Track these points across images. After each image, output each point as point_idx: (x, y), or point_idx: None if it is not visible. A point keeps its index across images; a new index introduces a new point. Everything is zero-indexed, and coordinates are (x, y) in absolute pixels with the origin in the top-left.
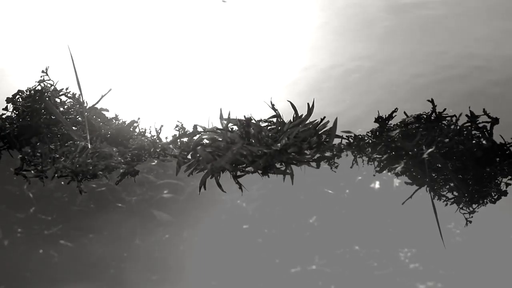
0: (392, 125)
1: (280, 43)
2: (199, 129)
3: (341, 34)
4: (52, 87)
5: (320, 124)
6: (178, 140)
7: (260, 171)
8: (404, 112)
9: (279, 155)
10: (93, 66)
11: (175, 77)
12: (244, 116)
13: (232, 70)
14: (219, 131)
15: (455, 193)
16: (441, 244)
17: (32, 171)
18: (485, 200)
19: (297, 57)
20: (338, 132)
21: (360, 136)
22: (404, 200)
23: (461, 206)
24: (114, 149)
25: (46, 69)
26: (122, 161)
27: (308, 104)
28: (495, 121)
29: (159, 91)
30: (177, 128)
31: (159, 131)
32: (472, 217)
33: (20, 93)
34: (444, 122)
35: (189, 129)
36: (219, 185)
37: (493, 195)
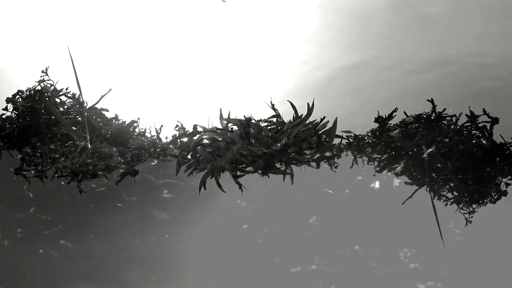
0: (392, 125)
1: (280, 43)
2: (199, 129)
3: (341, 34)
4: (52, 87)
5: (320, 124)
6: (178, 140)
7: (260, 171)
8: (404, 112)
9: (279, 155)
10: (93, 66)
11: (175, 77)
12: (244, 116)
13: (232, 70)
14: (219, 131)
15: (455, 193)
16: (441, 244)
17: (32, 171)
18: (485, 200)
19: (297, 56)
20: (338, 132)
21: (360, 136)
22: (404, 200)
23: (461, 206)
24: (114, 149)
25: (46, 69)
26: (122, 161)
27: (308, 104)
28: (495, 121)
29: (159, 91)
30: (177, 128)
31: (159, 131)
32: (472, 217)
33: (20, 93)
34: (444, 122)
35: (189, 129)
36: (219, 185)
37: (493, 195)
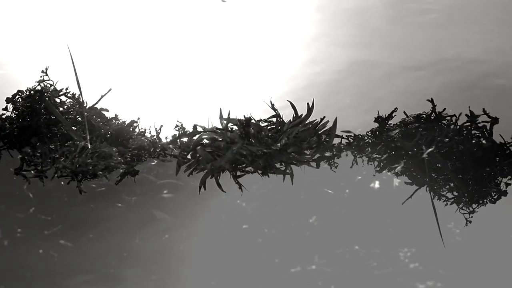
0: (391, 125)
1: (279, 43)
2: (199, 129)
3: (340, 32)
4: (52, 87)
5: (320, 124)
6: (178, 140)
7: (260, 171)
8: (404, 112)
9: (279, 155)
10: (93, 66)
11: (175, 77)
12: (244, 116)
13: (232, 70)
14: (219, 131)
15: (455, 193)
16: (441, 244)
17: (32, 171)
18: (485, 200)
19: (296, 56)
20: (338, 132)
21: (360, 136)
22: (404, 200)
23: (461, 206)
24: (114, 149)
25: (46, 69)
26: (122, 161)
27: (308, 104)
28: (494, 120)
29: (159, 91)
30: (177, 128)
31: (159, 131)
32: (472, 217)
33: (20, 93)
34: (443, 121)
35: (189, 129)
36: (219, 185)
37: (493, 195)
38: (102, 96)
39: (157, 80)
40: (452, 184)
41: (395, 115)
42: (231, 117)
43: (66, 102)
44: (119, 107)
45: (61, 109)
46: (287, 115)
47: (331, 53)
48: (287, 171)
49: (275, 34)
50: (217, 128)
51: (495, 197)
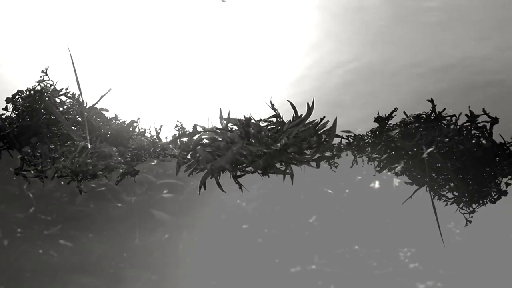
0: (391, 125)
1: (279, 42)
2: (199, 129)
3: (340, 33)
4: (52, 87)
5: (320, 124)
6: (178, 140)
7: (260, 171)
8: (404, 112)
9: (279, 155)
10: (93, 66)
11: (175, 77)
12: (244, 116)
13: (232, 70)
14: (218, 131)
15: (455, 193)
16: (441, 244)
17: (32, 171)
18: (485, 200)
19: (296, 56)
20: (338, 132)
21: (360, 136)
22: (404, 200)
23: (461, 206)
24: (114, 149)
25: (46, 69)
26: (122, 161)
27: (307, 104)
28: (494, 120)
29: (159, 91)
30: (177, 128)
31: (158, 131)
32: (472, 217)
33: (19, 93)
34: (443, 121)
35: (189, 129)
36: (219, 185)
37: (493, 195)
38: (102, 96)
39: (157, 80)
40: (452, 184)
41: (395, 115)
42: (231, 117)
43: (66, 102)
44: (119, 107)
45: (61, 109)
46: (287, 115)
47: (331, 53)
48: (287, 171)
49: (275, 34)
50: (217, 128)
51: (495, 197)
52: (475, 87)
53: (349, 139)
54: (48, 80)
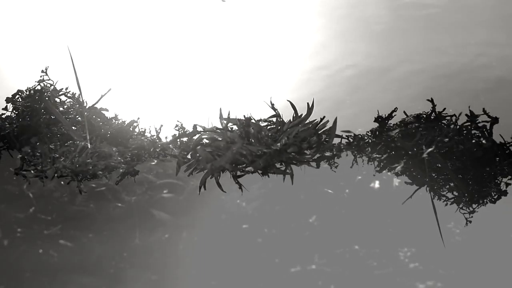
0: (391, 125)
1: (279, 42)
2: (199, 128)
3: (340, 32)
4: (52, 87)
5: (319, 124)
6: (178, 140)
7: (260, 171)
8: (404, 112)
9: (279, 155)
10: (93, 66)
11: (175, 77)
12: (244, 116)
13: (232, 70)
14: (218, 130)
15: (455, 193)
16: (441, 244)
17: (32, 171)
18: (485, 200)
19: (296, 56)
20: (338, 132)
21: (360, 136)
22: (404, 200)
23: (461, 206)
24: (114, 149)
25: (46, 69)
26: (122, 161)
27: (307, 103)
28: (494, 120)
29: (159, 91)
30: (177, 128)
31: (158, 131)
32: (472, 217)
33: (19, 93)
34: (443, 121)
35: (189, 129)
36: (219, 185)
37: (493, 195)
38: (102, 96)
39: (157, 80)
40: (452, 184)
41: (395, 115)
42: (231, 117)
43: (66, 102)
44: (119, 107)
45: (61, 109)
46: (287, 115)
47: (331, 53)
48: (287, 171)
49: (275, 34)
50: (217, 128)
51: (495, 197)
52: (476, 86)
53: (349, 139)
54: (48, 80)
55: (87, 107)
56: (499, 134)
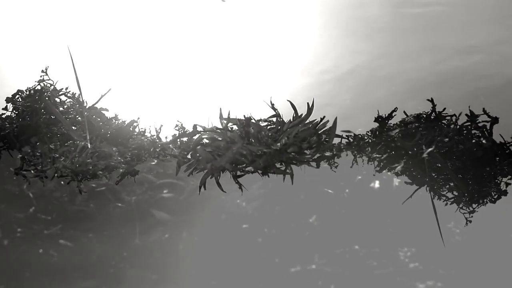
0: (391, 125)
1: (279, 42)
2: (199, 128)
3: (340, 32)
4: (52, 87)
5: (320, 124)
6: (178, 140)
7: (260, 171)
8: (404, 112)
9: (279, 155)
10: (93, 66)
11: (175, 77)
12: (244, 116)
13: (232, 70)
14: (218, 130)
15: (455, 192)
16: (441, 244)
17: (32, 171)
18: (485, 200)
19: (296, 56)
20: (338, 132)
21: (360, 136)
22: (404, 199)
23: (461, 205)
24: (114, 149)
25: (46, 69)
26: (122, 161)
27: (307, 103)
28: (495, 120)
29: (159, 91)
30: (177, 128)
31: (158, 130)
32: (472, 216)
33: (19, 93)
34: (443, 121)
35: (189, 128)
36: (219, 185)
37: (493, 194)
38: (102, 96)
39: (157, 80)
40: (452, 184)
41: (395, 115)
42: (231, 117)
43: (66, 102)
44: (119, 107)
45: (61, 108)
46: (287, 115)
47: (331, 53)
48: (287, 171)
49: (275, 34)
50: (217, 128)
51: (495, 197)
52: (476, 86)
53: (349, 139)
54: (48, 80)
55: (87, 107)
56: (499, 134)
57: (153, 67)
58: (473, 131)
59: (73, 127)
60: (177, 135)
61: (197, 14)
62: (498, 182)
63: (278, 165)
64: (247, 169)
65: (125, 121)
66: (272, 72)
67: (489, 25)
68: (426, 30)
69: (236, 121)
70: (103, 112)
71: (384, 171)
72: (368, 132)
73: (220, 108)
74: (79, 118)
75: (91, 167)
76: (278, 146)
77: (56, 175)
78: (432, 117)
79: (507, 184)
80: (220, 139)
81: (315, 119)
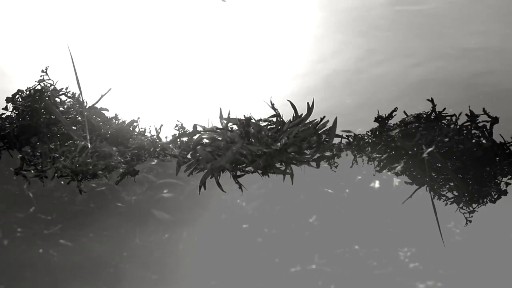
0: (392, 125)
1: (279, 42)
2: (199, 128)
3: (340, 32)
4: (52, 87)
5: (320, 124)
6: (178, 140)
7: (260, 171)
8: (404, 112)
9: (279, 155)
10: (93, 66)
11: (175, 77)
12: (244, 116)
13: (232, 69)
14: (219, 130)
15: (455, 192)
16: (441, 244)
17: (32, 171)
18: (485, 200)
19: (296, 56)
20: (338, 132)
21: (360, 136)
22: (404, 199)
23: (461, 205)
24: (114, 148)
25: (46, 69)
26: (122, 160)
27: (307, 103)
28: (494, 120)
29: (159, 91)
30: (177, 128)
31: (159, 130)
32: (472, 216)
33: (20, 93)
34: (444, 121)
35: (189, 128)
36: (219, 185)
37: (493, 194)
38: (102, 96)
39: (157, 80)
40: (452, 184)
41: (395, 115)
42: (231, 117)
43: (66, 101)
44: (119, 107)
45: (61, 108)
46: (287, 115)
47: (331, 53)
48: (287, 171)
49: (275, 34)
50: (217, 128)
51: (495, 197)
52: (476, 86)
53: (349, 139)
54: (48, 79)
55: (87, 107)
56: (499, 134)
57: (153, 67)
58: (473, 131)
59: (73, 127)
60: (177, 135)
61: (197, 14)
62: (498, 182)
63: (278, 165)
64: (247, 169)
65: (125, 121)
66: (272, 72)
67: (489, 23)
68: (426, 28)
69: (236, 121)
70: (103, 112)
71: (384, 171)
72: (368, 132)
73: (220, 108)
74: (79, 118)
75: (91, 167)
76: (278, 146)
77: (56, 175)
78: (432, 117)
79: (507, 184)
80: (220, 139)
81: (315, 119)
